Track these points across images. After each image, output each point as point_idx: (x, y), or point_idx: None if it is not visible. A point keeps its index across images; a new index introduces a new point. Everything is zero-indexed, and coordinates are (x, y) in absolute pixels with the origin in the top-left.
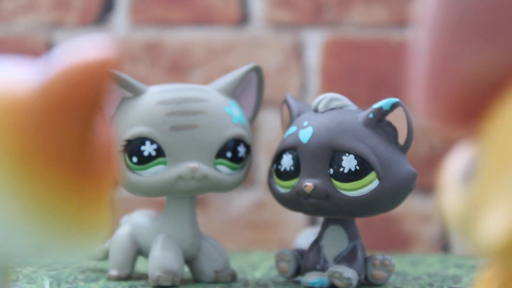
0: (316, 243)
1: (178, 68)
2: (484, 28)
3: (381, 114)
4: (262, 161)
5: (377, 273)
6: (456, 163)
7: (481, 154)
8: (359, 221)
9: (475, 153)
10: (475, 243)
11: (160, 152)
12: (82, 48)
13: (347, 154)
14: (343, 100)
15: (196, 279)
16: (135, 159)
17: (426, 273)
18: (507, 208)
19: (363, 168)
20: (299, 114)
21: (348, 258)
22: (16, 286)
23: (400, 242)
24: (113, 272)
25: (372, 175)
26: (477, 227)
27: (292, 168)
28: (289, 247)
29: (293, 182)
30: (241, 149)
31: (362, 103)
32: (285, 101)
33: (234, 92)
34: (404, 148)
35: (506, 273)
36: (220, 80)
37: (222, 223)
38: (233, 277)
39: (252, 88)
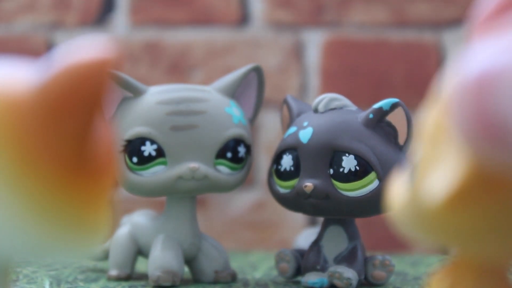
0: (316, 243)
1: (178, 68)
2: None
3: (381, 114)
4: (262, 161)
5: (377, 273)
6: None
7: (417, 145)
8: (359, 221)
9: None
10: (422, 206)
11: (160, 152)
12: (82, 48)
13: (347, 154)
14: (343, 100)
15: (196, 279)
16: (135, 159)
17: (426, 273)
18: (443, 171)
19: (363, 168)
20: (299, 114)
21: (348, 258)
22: (16, 286)
23: (400, 242)
24: (113, 272)
25: (372, 175)
26: (422, 191)
27: (292, 168)
28: (289, 247)
29: (293, 182)
30: (241, 149)
31: (362, 103)
32: (285, 101)
33: (234, 92)
34: (404, 148)
35: (457, 270)
36: (220, 80)
37: (222, 223)
38: (233, 277)
39: (252, 88)
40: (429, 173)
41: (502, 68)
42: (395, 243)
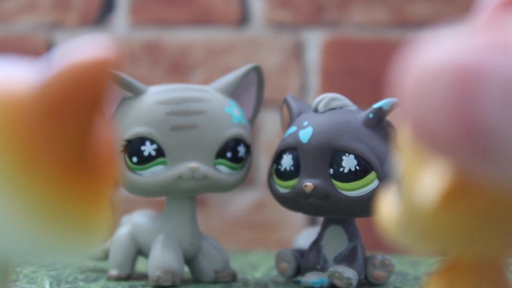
0: (316, 243)
1: (178, 68)
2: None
3: (381, 114)
4: (262, 161)
5: (377, 273)
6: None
7: (400, 157)
8: (359, 221)
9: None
10: (416, 208)
11: (160, 152)
12: (82, 48)
13: (347, 154)
14: (343, 100)
15: (196, 279)
16: (135, 159)
17: (426, 273)
18: (433, 172)
19: (363, 168)
20: (299, 114)
21: (348, 258)
22: (16, 286)
23: (394, 244)
24: (113, 272)
25: (372, 175)
26: (414, 196)
27: (292, 168)
28: (289, 247)
29: (293, 182)
30: (241, 149)
31: (362, 103)
32: (285, 101)
33: (234, 92)
34: (395, 149)
35: (454, 270)
36: (220, 80)
37: (222, 223)
38: (233, 277)
39: (252, 88)
40: (418, 177)
41: (491, 66)
42: (392, 244)
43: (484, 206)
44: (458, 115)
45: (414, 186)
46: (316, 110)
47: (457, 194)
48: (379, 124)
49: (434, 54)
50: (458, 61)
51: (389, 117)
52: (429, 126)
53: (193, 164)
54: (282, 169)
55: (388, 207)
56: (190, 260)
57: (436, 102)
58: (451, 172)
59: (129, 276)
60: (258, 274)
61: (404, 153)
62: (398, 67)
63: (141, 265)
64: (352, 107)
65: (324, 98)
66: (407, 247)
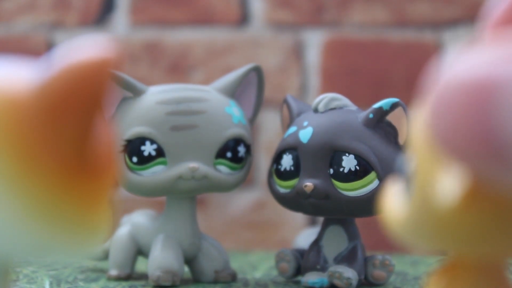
0: (316, 243)
1: (178, 68)
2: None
3: (381, 114)
4: (262, 161)
5: (377, 273)
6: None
7: (411, 152)
8: (359, 221)
9: (407, 163)
10: (435, 208)
11: (160, 152)
12: (82, 48)
13: (347, 154)
14: (343, 100)
15: (196, 279)
16: (135, 159)
17: (426, 273)
18: (453, 177)
19: (363, 168)
20: (299, 114)
21: (348, 258)
22: (16, 286)
23: (400, 242)
24: (113, 272)
25: (372, 175)
26: (432, 195)
27: (292, 168)
28: (289, 247)
29: (293, 182)
30: (241, 149)
31: (362, 103)
32: (285, 101)
33: (234, 92)
34: (404, 148)
35: (454, 270)
36: (220, 80)
37: (222, 223)
38: (233, 277)
39: (252, 88)
40: (435, 177)
41: (505, 78)
42: (395, 243)
43: (498, 210)
44: (476, 126)
45: (429, 186)
46: (316, 110)
47: (473, 197)
48: (379, 124)
49: (455, 69)
50: (475, 75)
51: (389, 117)
52: (451, 136)
53: (193, 164)
54: (282, 169)
55: (394, 205)
56: (190, 260)
57: (457, 114)
58: (469, 176)
59: (129, 276)
60: (258, 274)
61: (417, 152)
62: (427, 79)
63: (141, 265)
64: (352, 107)
65: (324, 98)
66: (411, 244)
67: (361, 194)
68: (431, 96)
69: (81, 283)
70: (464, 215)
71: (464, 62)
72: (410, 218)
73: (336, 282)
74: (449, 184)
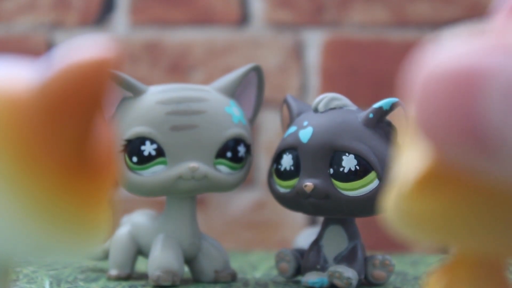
0: (316, 243)
1: (178, 68)
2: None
3: (381, 114)
4: (262, 161)
5: (377, 273)
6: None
7: (399, 151)
8: (359, 221)
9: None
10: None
11: (160, 152)
12: (82, 48)
13: (347, 154)
14: (343, 100)
15: (196, 279)
16: (135, 159)
17: (426, 273)
18: (414, 156)
19: (363, 168)
20: (299, 114)
21: (348, 258)
22: (16, 286)
23: (400, 242)
24: (113, 272)
25: (372, 175)
26: (399, 176)
27: (292, 168)
28: (289, 247)
29: (293, 182)
30: (241, 149)
31: (362, 103)
32: (285, 101)
33: (234, 92)
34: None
35: (453, 270)
36: (220, 80)
37: (222, 223)
38: (233, 277)
39: (252, 88)
40: (404, 159)
41: (493, 67)
42: (395, 243)
43: (476, 198)
44: (460, 112)
45: (403, 171)
46: (316, 110)
47: (438, 182)
48: (379, 124)
49: (442, 56)
50: (462, 63)
51: (389, 117)
52: (434, 122)
53: (193, 164)
54: (282, 169)
55: (390, 196)
56: (190, 260)
57: (441, 100)
58: (433, 158)
59: (129, 276)
60: (258, 274)
61: (403, 142)
62: (409, 68)
63: (141, 265)
64: (352, 107)
65: (324, 98)
66: (408, 238)
67: (361, 194)
68: (416, 83)
69: (81, 283)
70: (422, 199)
71: (450, 51)
72: (391, 203)
73: (336, 282)
74: (409, 166)
